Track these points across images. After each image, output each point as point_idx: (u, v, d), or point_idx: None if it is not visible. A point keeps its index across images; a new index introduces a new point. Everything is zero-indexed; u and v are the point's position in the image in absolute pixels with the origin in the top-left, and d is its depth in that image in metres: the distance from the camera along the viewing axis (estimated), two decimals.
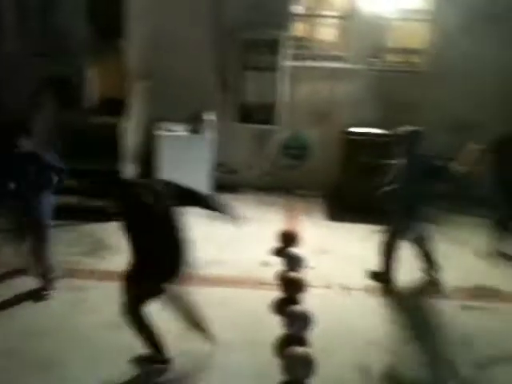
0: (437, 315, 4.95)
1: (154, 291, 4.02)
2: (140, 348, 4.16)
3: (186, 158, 6.87)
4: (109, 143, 6.50)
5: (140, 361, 4.17)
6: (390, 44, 7.93)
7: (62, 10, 7.32)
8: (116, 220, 3.85)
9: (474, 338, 4.59)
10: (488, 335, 4.64)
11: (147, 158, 7.17)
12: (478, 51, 7.20)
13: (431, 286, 5.37)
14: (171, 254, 4.00)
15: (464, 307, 5.05)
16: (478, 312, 5.02)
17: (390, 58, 7.91)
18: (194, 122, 7.03)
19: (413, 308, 5.07)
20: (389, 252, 5.31)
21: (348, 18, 7.52)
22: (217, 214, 4.21)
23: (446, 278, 5.49)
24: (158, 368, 4.13)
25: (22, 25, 7.55)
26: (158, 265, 3.93)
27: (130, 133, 6.76)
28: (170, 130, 7.06)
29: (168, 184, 4.10)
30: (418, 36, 7.74)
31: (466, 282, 5.52)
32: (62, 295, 5.04)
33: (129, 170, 6.77)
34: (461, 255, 6.09)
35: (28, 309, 4.83)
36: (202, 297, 4.95)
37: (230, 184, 7.62)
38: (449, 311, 5.00)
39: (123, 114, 6.57)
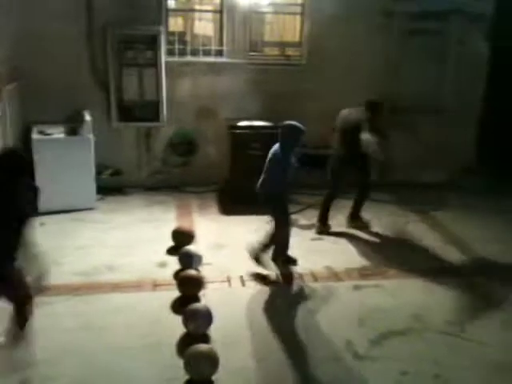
0: (332, 297, 5.12)
1: None
2: None
3: (66, 162, 6.50)
4: None
5: None
6: (267, 37, 8.13)
7: None
8: None
9: (367, 317, 4.80)
10: (380, 312, 4.87)
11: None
12: (350, 41, 7.58)
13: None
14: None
15: (356, 287, 5.27)
16: (369, 290, 5.26)
17: (267, 51, 8.09)
18: (72, 124, 6.65)
19: (310, 293, 5.21)
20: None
21: (224, 11, 7.55)
22: None
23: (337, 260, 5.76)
24: None
25: None
26: None
27: (1, 138, 6.26)
28: (46, 133, 6.63)
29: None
30: (292, 29, 7.98)
31: (355, 263, 5.77)
32: None
33: None
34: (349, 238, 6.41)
35: None
36: (98, 304, 4.80)
37: (117, 186, 7.37)
38: (343, 292, 5.21)
39: None
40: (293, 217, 6.53)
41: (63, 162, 6.52)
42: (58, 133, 6.67)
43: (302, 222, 6.75)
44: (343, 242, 6.28)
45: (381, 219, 6.86)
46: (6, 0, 6.50)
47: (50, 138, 6.59)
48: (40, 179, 6.40)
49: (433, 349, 4.40)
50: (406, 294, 5.19)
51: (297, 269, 5.53)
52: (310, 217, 6.79)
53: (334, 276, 5.51)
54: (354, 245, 6.21)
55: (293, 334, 4.55)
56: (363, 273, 5.55)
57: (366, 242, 6.33)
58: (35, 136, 6.59)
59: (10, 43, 6.67)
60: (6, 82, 6.49)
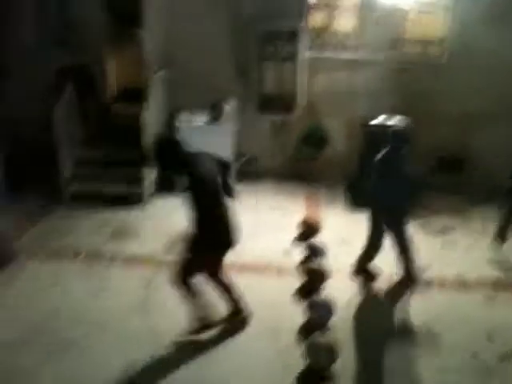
0: (460, 307, 4.96)
1: (210, 261, 4.27)
2: (163, 331, 4.27)
3: (206, 147, 6.85)
4: (130, 132, 6.56)
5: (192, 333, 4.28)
6: (408, 35, 7.94)
7: None
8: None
9: (497, 331, 4.60)
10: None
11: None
12: (495, 43, 7.17)
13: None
14: (227, 224, 4.21)
15: (487, 298, 5.06)
16: (502, 303, 5.02)
17: (408, 48, 7.91)
18: (214, 112, 7.06)
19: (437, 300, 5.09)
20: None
21: (366, 8, 7.50)
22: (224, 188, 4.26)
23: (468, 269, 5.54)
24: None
25: (40, 13, 7.60)
26: (219, 235, 4.17)
27: (151, 122, 6.80)
28: (189, 120, 7.09)
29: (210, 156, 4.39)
30: (434, 27, 7.72)
31: (489, 273, 5.53)
32: (83, 279, 5.12)
33: (149, 159, 6.83)
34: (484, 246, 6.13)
35: (51, 293, 4.91)
36: None
37: (251, 173, 7.66)
38: (472, 303, 5.02)
39: (143, 104, 6.61)
40: (424, 221, 6.39)
41: (204, 147, 6.87)
42: (200, 120, 7.11)
43: (434, 227, 6.52)
44: (477, 251, 6.00)
45: None
46: None
47: (193, 125, 7.04)
48: None
49: None
50: None
51: (425, 275, 5.39)
52: (442, 222, 6.57)
53: (464, 285, 5.32)
54: (489, 255, 5.90)
55: (413, 337, 4.50)
56: (496, 284, 5.30)
57: (503, 253, 5.97)
58: (179, 122, 7.06)
59: (161, 33, 7.19)
60: (155, 69, 7.04)
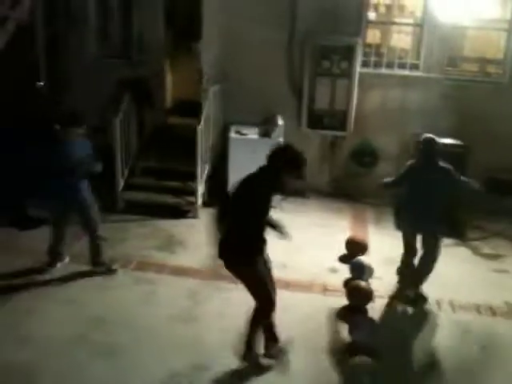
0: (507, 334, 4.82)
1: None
2: (205, 341, 4.36)
3: (256, 161, 6.92)
4: (186, 144, 6.72)
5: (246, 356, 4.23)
6: (466, 53, 7.80)
7: (141, 13, 7.60)
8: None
9: None
10: None
11: (219, 159, 7.37)
12: None
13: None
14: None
15: None
16: None
17: (466, 67, 7.77)
18: (266, 126, 7.15)
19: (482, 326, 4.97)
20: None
21: (422, 25, 7.43)
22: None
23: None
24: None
25: (103, 27, 7.93)
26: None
27: (205, 134, 6.96)
28: (241, 133, 7.22)
29: None
30: (494, 45, 7.56)
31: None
32: (133, 287, 5.26)
33: (203, 171, 6.98)
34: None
35: (98, 298, 5.05)
36: None
37: (298, 188, 7.69)
38: None
39: (198, 116, 6.77)
40: (475, 244, 6.23)
41: (254, 161, 6.94)
42: (252, 133, 7.22)
43: (485, 250, 6.37)
44: None
45: None
46: (215, 8, 7.13)
47: (245, 138, 7.17)
48: (232, 174, 7.02)
49: None
50: None
51: (473, 300, 5.29)
52: (494, 246, 6.41)
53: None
54: None
55: (458, 366, 4.40)
56: None
57: None
58: (232, 135, 7.21)
59: (218, 48, 7.35)
60: (211, 83, 7.20)
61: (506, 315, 5.13)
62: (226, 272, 4.09)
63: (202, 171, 6.99)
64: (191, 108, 7.16)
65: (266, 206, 3.95)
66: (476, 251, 6.22)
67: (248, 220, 3.92)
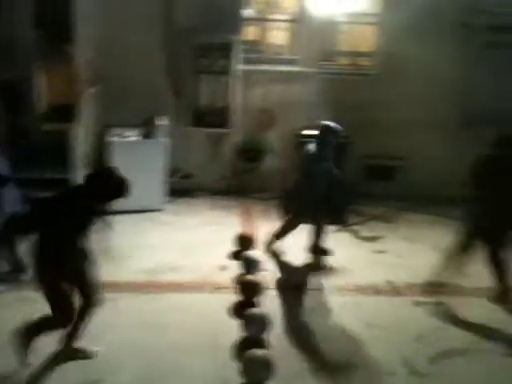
0: (390, 312, 5.06)
1: None
2: None
3: (139, 164, 6.77)
4: (60, 150, 6.38)
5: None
6: (341, 47, 8.12)
7: (9, 15, 7.13)
8: None
9: (426, 334, 4.71)
10: (440, 330, 4.77)
11: (101, 165, 7.07)
12: (422, 54, 7.42)
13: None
14: None
15: (416, 303, 5.16)
16: (430, 307, 5.14)
17: (341, 60, 8.09)
18: (147, 127, 6.96)
19: (366, 305, 5.18)
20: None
21: (298, 21, 7.63)
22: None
23: (399, 275, 5.66)
24: None
25: None
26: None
27: (81, 139, 6.64)
28: (122, 136, 6.97)
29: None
30: (366, 39, 7.94)
31: (417, 278, 5.63)
32: None
33: (81, 177, 6.65)
34: (413, 252, 6.26)
35: None
36: (160, 303, 4.99)
37: (186, 189, 7.60)
38: (402, 308, 5.13)
39: (74, 121, 6.45)
40: (355, 228, 6.50)
41: (137, 164, 6.78)
42: (133, 136, 7.00)
43: (365, 233, 6.68)
44: (408, 256, 6.15)
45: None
46: (89, 9, 6.88)
47: (126, 141, 6.93)
48: None
49: (493, 371, 4.27)
50: (468, 313, 5.03)
51: (357, 280, 5.51)
52: (373, 228, 6.73)
53: (395, 290, 5.44)
54: (419, 260, 6.05)
55: (347, 346, 4.54)
56: (425, 289, 5.42)
57: (432, 257, 6.14)
58: (113, 138, 6.94)
59: (92, 49, 7.07)
60: (87, 85, 6.90)
61: (389, 293, 5.39)
62: None
63: (80, 179, 6.64)
64: (67, 112, 6.80)
65: (77, 226, 3.82)
66: (357, 235, 6.51)
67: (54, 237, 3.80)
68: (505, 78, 7.64)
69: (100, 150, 7.20)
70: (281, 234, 5.89)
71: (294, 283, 5.42)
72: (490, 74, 7.62)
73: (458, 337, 4.67)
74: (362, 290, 5.40)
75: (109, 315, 4.60)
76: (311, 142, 5.70)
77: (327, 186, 5.42)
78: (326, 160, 5.51)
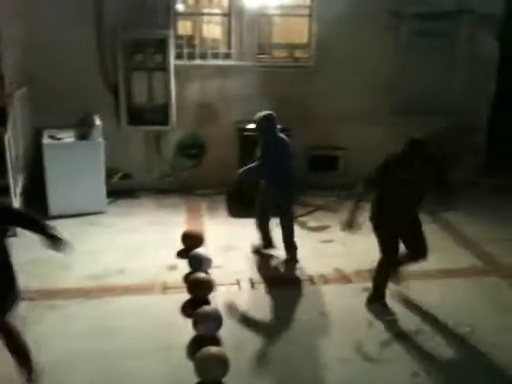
0: (341, 299, 5.12)
1: None
2: None
3: (75, 166, 6.56)
4: None
5: None
6: (275, 40, 8.13)
7: None
8: None
9: (377, 319, 4.79)
10: (390, 315, 4.84)
11: (36, 169, 6.77)
12: (357, 45, 7.55)
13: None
14: None
15: (366, 289, 5.24)
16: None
17: (276, 53, 8.10)
18: (83, 128, 6.71)
19: (317, 294, 5.22)
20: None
21: (232, 14, 7.57)
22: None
23: (346, 263, 5.74)
24: None
25: None
26: None
27: (13, 143, 6.32)
28: (56, 138, 6.69)
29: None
30: (299, 31, 7.98)
31: (364, 264, 5.70)
32: None
33: (16, 183, 6.35)
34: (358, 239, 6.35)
35: None
36: (109, 307, 4.84)
37: (128, 189, 7.41)
38: (352, 294, 5.20)
39: (3, 125, 6.12)
40: (302, 219, 6.56)
41: (74, 166, 6.58)
42: (68, 137, 6.73)
43: (312, 224, 6.74)
44: (353, 244, 6.23)
45: None
46: (14, 7, 6.56)
47: (60, 143, 6.65)
48: (51, 184, 6.51)
49: (445, 350, 4.38)
50: (417, 296, 5.15)
51: (306, 271, 5.54)
52: (319, 218, 6.80)
53: (344, 278, 5.51)
54: (365, 247, 6.12)
55: (301, 336, 4.56)
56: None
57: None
58: (46, 141, 6.65)
59: (19, 49, 6.75)
60: (16, 87, 6.57)
61: (338, 281, 5.47)
62: None
63: (16, 184, 6.34)
64: None
65: None
66: (304, 225, 6.54)
67: None
68: (432, 65, 7.89)
69: (33, 153, 6.92)
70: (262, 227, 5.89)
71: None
72: (418, 62, 7.85)
73: (409, 321, 4.76)
74: (311, 279, 5.43)
75: (58, 323, 4.45)
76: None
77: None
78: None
